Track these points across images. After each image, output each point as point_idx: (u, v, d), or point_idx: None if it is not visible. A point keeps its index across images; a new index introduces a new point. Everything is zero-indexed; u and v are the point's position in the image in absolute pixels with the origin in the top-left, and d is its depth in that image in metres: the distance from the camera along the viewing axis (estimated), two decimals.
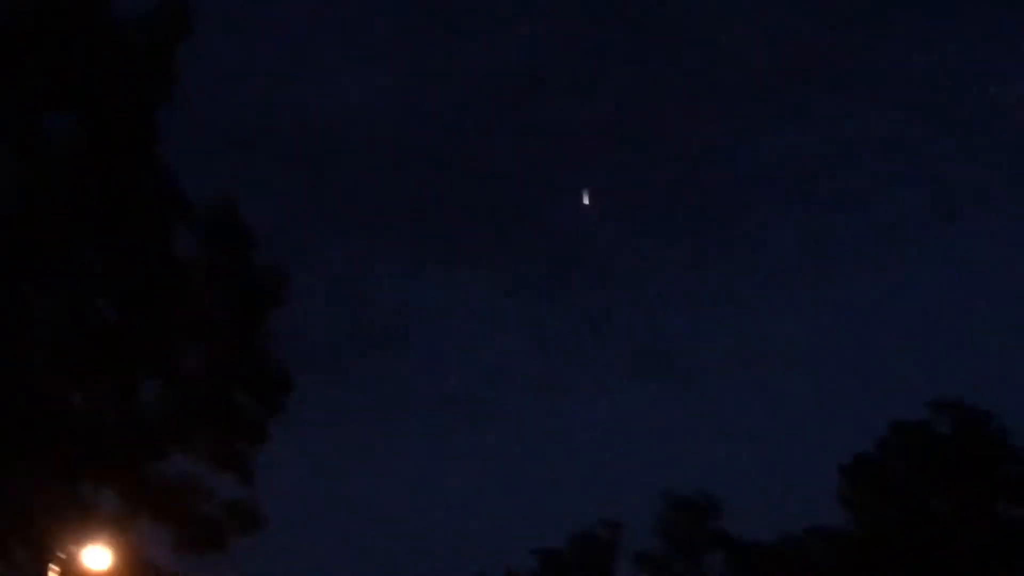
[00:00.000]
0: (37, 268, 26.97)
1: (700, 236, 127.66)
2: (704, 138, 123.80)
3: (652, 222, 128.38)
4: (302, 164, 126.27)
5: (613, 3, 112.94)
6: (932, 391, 55.18)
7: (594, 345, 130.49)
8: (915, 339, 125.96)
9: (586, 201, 71.69)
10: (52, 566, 30.69)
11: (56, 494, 29.64)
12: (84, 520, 30.48)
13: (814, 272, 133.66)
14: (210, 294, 29.06)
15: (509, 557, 58.27)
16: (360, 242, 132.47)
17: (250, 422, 30.62)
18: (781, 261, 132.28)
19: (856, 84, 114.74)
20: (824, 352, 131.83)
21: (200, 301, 28.94)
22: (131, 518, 31.19)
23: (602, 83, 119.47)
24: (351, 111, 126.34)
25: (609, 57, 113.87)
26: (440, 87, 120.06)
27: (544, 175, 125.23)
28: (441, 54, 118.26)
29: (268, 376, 30.35)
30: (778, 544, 53.52)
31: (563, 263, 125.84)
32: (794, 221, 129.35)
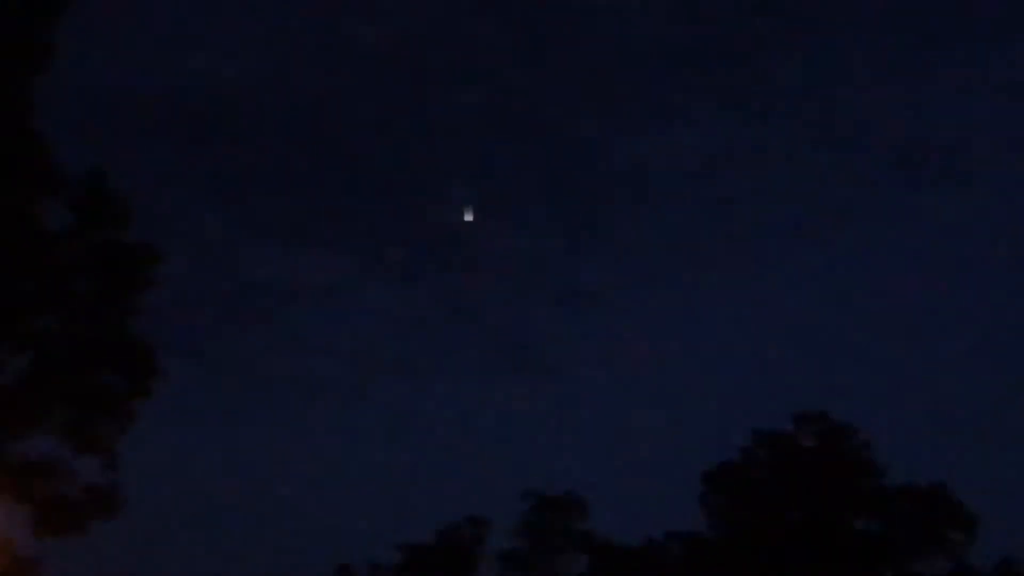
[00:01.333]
0: None
1: (573, 232, 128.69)
2: (583, 134, 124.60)
3: (525, 215, 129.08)
4: (177, 139, 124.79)
5: None
6: (798, 402, 56.35)
7: (462, 335, 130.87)
8: (783, 348, 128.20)
9: (468, 217, 71.74)
10: None
11: None
12: None
13: (687, 275, 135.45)
14: (77, 269, 28.54)
15: (373, 550, 58.08)
16: (231, 219, 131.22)
17: (115, 402, 30.13)
18: (654, 261, 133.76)
19: (736, 92, 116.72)
20: (692, 356, 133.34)
21: (66, 276, 28.41)
22: None
23: (486, 72, 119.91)
24: (229, 86, 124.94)
25: (495, 46, 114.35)
26: (322, 67, 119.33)
27: (422, 162, 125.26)
28: (325, 34, 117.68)
29: (134, 357, 29.89)
30: (641, 547, 54.02)
31: (434, 251, 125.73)
32: (668, 222, 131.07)
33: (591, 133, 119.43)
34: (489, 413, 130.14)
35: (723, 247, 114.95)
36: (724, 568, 50.23)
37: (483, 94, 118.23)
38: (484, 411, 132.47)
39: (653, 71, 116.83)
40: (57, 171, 27.66)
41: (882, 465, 52.67)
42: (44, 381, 29.29)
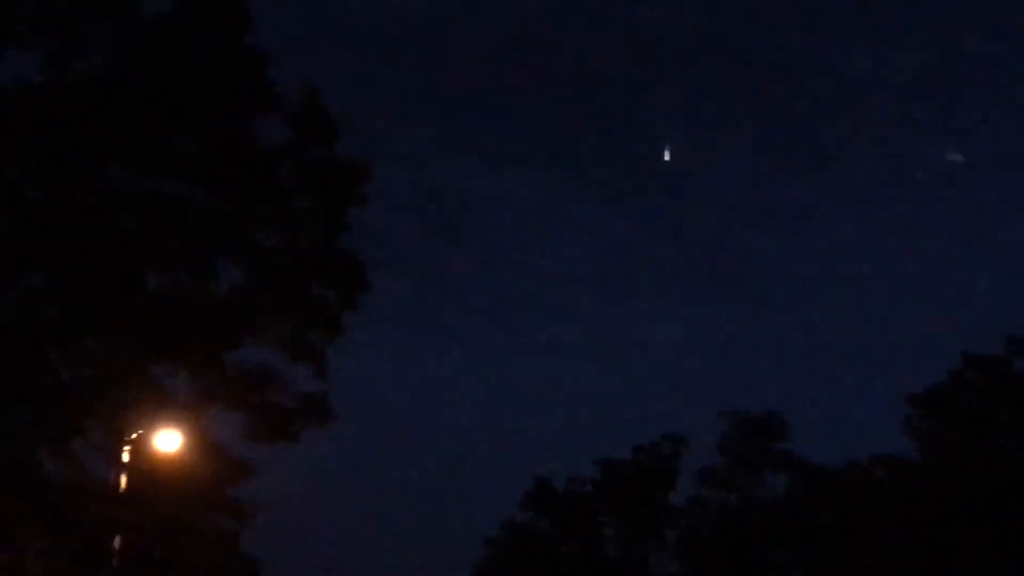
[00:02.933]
0: (122, 148, 26.90)
1: (783, 152, 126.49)
2: (791, 54, 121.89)
3: (734, 136, 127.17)
4: (389, 57, 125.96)
5: None
6: (1011, 326, 54.41)
7: (667, 256, 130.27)
8: (997, 272, 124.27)
9: (667, 156, 70.77)
10: (125, 447, 31.05)
11: (131, 375, 29.85)
12: (158, 403, 30.72)
13: (899, 197, 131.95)
14: (294, 184, 28.94)
15: (573, 465, 58.55)
16: (441, 137, 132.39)
17: (327, 315, 30.62)
18: (866, 182, 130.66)
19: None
20: (903, 281, 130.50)
21: (283, 190, 28.83)
22: (204, 404, 31.42)
23: None
24: (444, 6, 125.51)
25: None
26: None
27: (630, 83, 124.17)
28: None
29: (346, 270, 30.28)
30: (842, 469, 53.21)
31: (641, 172, 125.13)
32: (880, 143, 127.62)
33: (799, 52, 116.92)
34: (692, 333, 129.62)
35: (935, 166, 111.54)
36: (928, 493, 49.06)
37: (692, 16, 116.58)
38: (687, 331, 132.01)
39: None
40: (272, 88, 27.95)
41: None
42: (259, 292, 29.88)
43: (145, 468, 31.68)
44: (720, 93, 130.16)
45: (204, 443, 32.56)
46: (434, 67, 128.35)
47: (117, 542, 30.93)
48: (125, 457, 31.24)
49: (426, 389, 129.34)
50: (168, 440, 31.70)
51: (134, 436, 31.22)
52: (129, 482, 31.27)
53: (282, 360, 31.65)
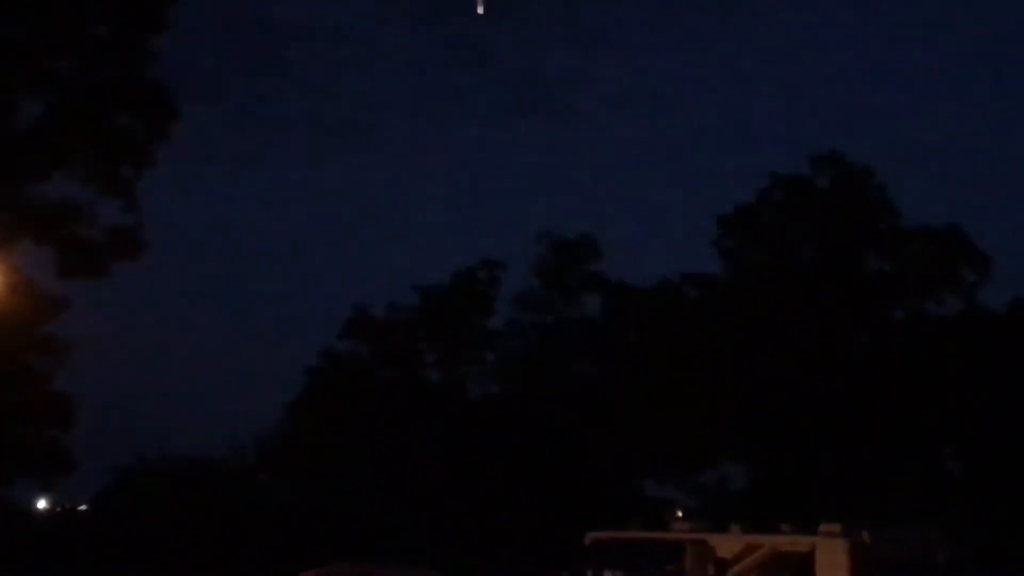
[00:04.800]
0: None
1: None
2: None
3: None
4: None
5: None
6: (814, 145, 56.04)
7: (476, 79, 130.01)
8: (799, 91, 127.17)
9: (480, 10, 69.53)
10: None
11: None
12: None
13: (704, 14, 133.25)
14: (90, 12, 28.14)
15: (391, 292, 58.84)
16: None
17: (133, 146, 30.16)
18: (669, 1, 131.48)
19: None
20: (710, 100, 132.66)
21: (79, 18, 28.02)
22: (11, 239, 30.89)
23: None
24: None
25: None
26: None
27: None
28: None
29: (152, 99, 29.76)
30: (655, 288, 54.49)
31: None
32: None
33: None
34: (504, 156, 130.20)
35: None
36: (738, 309, 50.81)
37: None
38: (499, 155, 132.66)
39: None
40: None
41: (897, 206, 52.69)
42: (62, 125, 29.27)
43: None
44: None
45: (14, 280, 32.08)
46: None
47: None
48: None
49: (243, 220, 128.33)
50: None
51: None
52: None
53: (91, 194, 31.23)
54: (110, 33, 28.54)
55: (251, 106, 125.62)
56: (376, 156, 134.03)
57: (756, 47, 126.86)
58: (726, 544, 27.92)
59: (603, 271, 57.23)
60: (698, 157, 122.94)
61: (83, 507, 65.19)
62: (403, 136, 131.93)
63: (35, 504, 57.45)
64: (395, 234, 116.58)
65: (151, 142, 30.49)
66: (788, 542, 27.11)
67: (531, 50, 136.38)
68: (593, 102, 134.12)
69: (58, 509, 61.28)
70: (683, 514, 44.21)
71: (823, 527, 27.14)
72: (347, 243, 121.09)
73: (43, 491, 55.41)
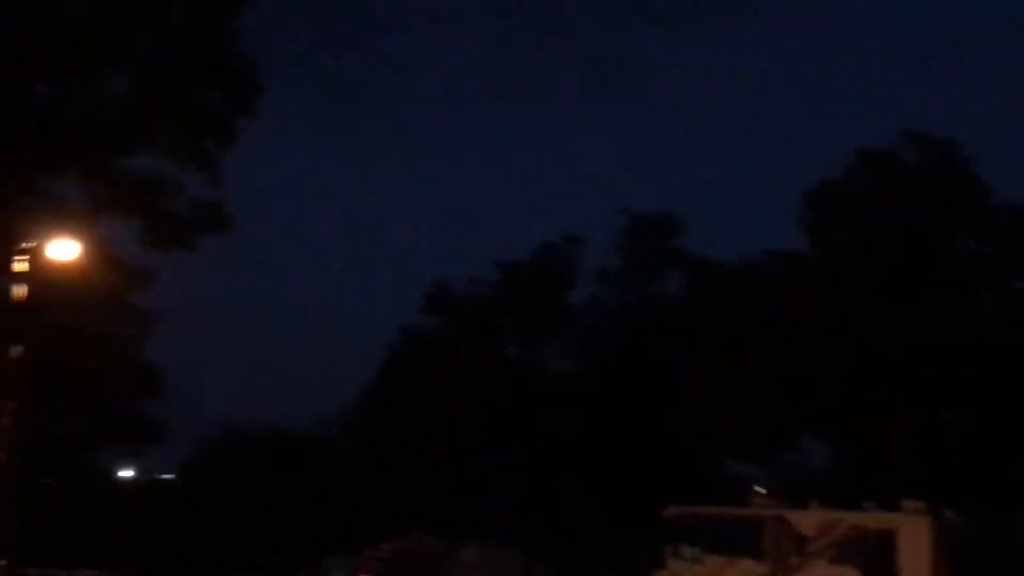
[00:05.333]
0: None
1: None
2: None
3: None
4: None
5: None
6: (901, 122, 55.29)
7: (555, 57, 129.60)
8: (886, 69, 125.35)
9: None
10: (19, 256, 30.88)
11: (22, 185, 29.64)
12: (52, 212, 30.56)
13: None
14: None
15: (472, 268, 59.01)
16: None
17: (217, 121, 30.44)
18: None
19: None
20: (794, 79, 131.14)
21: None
22: (98, 212, 31.34)
23: None
24: None
25: None
26: None
27: None
28: None
29: (235, 75, 30.01)
30: (738, 265, 54.06)
31: None
32: None
33: None
34: (586, 135, 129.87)
35: None
36: (824, 287, 50.25)
37: None
38: (581, 134, 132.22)
39: None
40: None
41: (987, 183, 51.72)
42: (147, 101, 29.60)
43: (42, 278, 31.59)
44: None
45: (101, 252, 32.54)
46: None
47: (15, 351, 30.97)
48: (22, 267, 31.09)
49: (324, 197, 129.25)
50: (65, 250, 31.53)
51: (30, 247, 31.03)
52: (27, 292, 31.19)
53: (176, 168, 31.57)
54: (192, 8, 28.81)
55: (334, 82, 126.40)
56: (459, 133, 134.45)
57: (838, 22, 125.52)
58: (806, 521, 27.76)
59: (686, 248, 56.94)
60: (783, 134, 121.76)
61: (170, 476, 66.27)
62: (486, 113, 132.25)
63: (122, 472, 58.40)
64: (479, 210, 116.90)
65: (235, 117, 30.75)
66: (869, 519, 26.90)
67: (611, 29, 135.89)
68: (675, 80, 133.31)
69: (145, 478, 62.35)
70: (765, 491, 43.92)
71: (906, 504, 26.86)
72: (430, 219, 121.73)
73: (131, 460, 56.34)
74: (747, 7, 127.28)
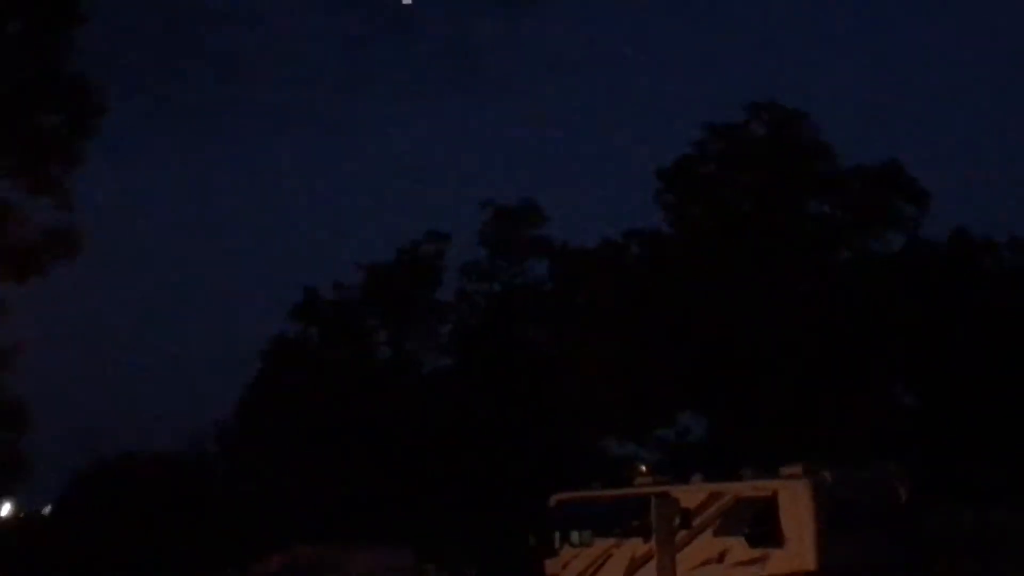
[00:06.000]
0: None
1: None
2: None
3: None
4: None
5: None
6: (748, 94, 56.07)
7: (399, 50, 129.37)
8: (734, 40, 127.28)
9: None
10: None
11: None
12: None
13: None
14: (6, 8, 27.62)
15: (337, 272, 58.59)
16: None
17: (60, 143, 29.68)
18: None
19: None
20: (638, 54, 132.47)
21: None
22: None
23: None
24: None
25: None
26: None
27: None
28: None
29: (75, 95, 29.28)
30: (599, 248, 54.40)
31: None
32: None
33: None
34: (436, 128, 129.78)
35: None
36: (683, 263, 50.80)
37: None
38: (431, 126, 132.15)
39: None
40: None
41: (834, 148, 52.75)
42: None
43: None
44: None
45: None
46: None
47: None
48: None
49: (178, 211, 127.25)
50: None
51: None
52: None
53: (22, 194, 30.75)
54: (25, 28, 28.02)
55: (175, 94, 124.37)
56: (309, 136, 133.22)
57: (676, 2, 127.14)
58: (689, 495, 28.04)
59: (548, 235, 57.27)
60: (631, 114, 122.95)
61: (46, 511, 64.72)
62: (335, 114, 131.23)
63: None
64: (336, 213, 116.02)
65: (79, 138, 30.01)
66: (750, 488, 27.24)
67: (454, 18, 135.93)
68: (520, 66, 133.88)
69: (21, 515, 60.78)
70: (646, 469, 44.32)
71: (784, 469, 27.28)
72: (290, 226, 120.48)
73: (3, 497, 54.85)
74: None
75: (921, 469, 35.27)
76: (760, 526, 26.56)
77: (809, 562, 25.81)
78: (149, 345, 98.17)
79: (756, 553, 26.55)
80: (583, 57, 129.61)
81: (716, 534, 27.23)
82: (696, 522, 27.54)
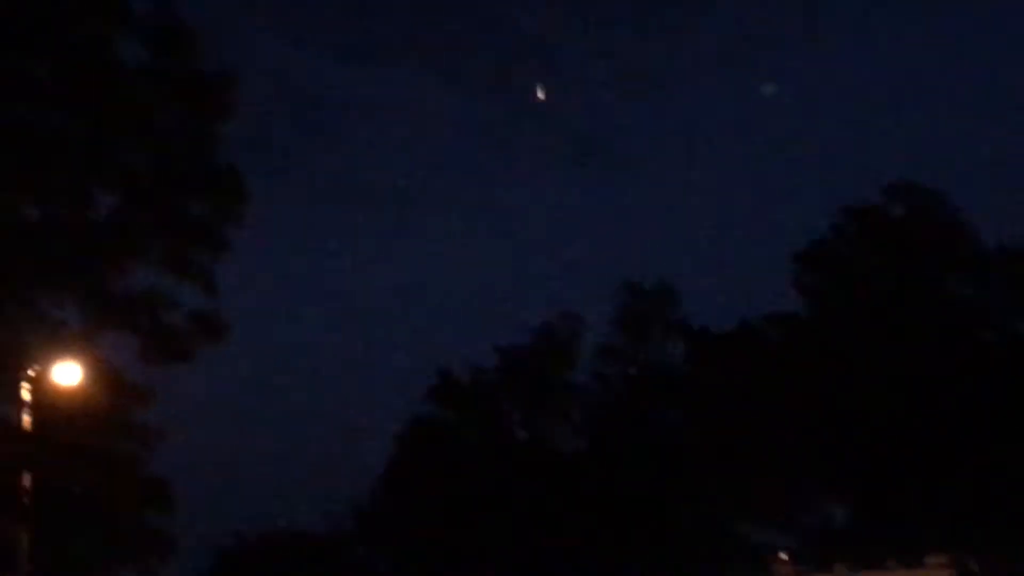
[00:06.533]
0: None
1: (639, 21, 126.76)
2: None
3: (590, 11, 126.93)
4: None
5: None
6: (885, 176, 55.51)
7: (535, 134, 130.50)
8: (865, 122, 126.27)
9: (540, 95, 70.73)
10: (23, 384, 30.90)
11: (20, 309, 29.64)
12: (50, 336, 30.57)
13: (755, 54, 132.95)
14: (158, 102, 28.60)
15: (474, 354, 58.99)
16: (302, 41, 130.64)
17: (207, 230, 30.49)
18: (721, 42, 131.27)
19: None
20: (772, 135, 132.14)
21: (147, 110, 28.47)
22: (97, 331, 31.29)
23: None
24: None
25: None
26: None
27: None
28: None
29: (222, 183, 30.11)
30: (736, 331, 54.18)
31: (499, 54, 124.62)
32: (730, 5, 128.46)
33: None
34: (572, 209, 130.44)
35: (799, 23, 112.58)
36: (822, 346, 50.30)
37: None
38: (567, 208, 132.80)
39: None
40: (127, 7, 27.49)
41: (975, 229, 51.96)
42: (137, 215, 29.68)
43: (47, 402, 31.60)
44: None
45: (102, 371, 32.50)
46: None
47: (27, 480, 30.94)
48: (25, 395, 31.11)
49: (317, 294, 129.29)
50: (67, 372, 31.60)
51: (32, 373, 31.06)
52: (32, 418, 31.20)
53: (170, 280, 31.58)
54: (177, 121, 28.97)
55: (311, 179, 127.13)
56: (444, 218, 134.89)
57: (812, 82, 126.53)
58: None
59: (684, 317, 57.07)
60: (768, 194, 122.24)
61: None
62: (471, 196, 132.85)
63: None
64: (472, 295, 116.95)
65: (224, 225, 30.79)
66: None
67: (590, 100, 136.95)
68: (657, 147, 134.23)
69: None
70: (787, 557, 43.58)
71: (929, 559, 26.72)
72: (425, 307, 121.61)
73: None
74: (721, 67, 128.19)
75: None
76: None
77: None
78: (287, 425, 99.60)
79: None
80: (720, 139, 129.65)
81: None
82: None
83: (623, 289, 56.95)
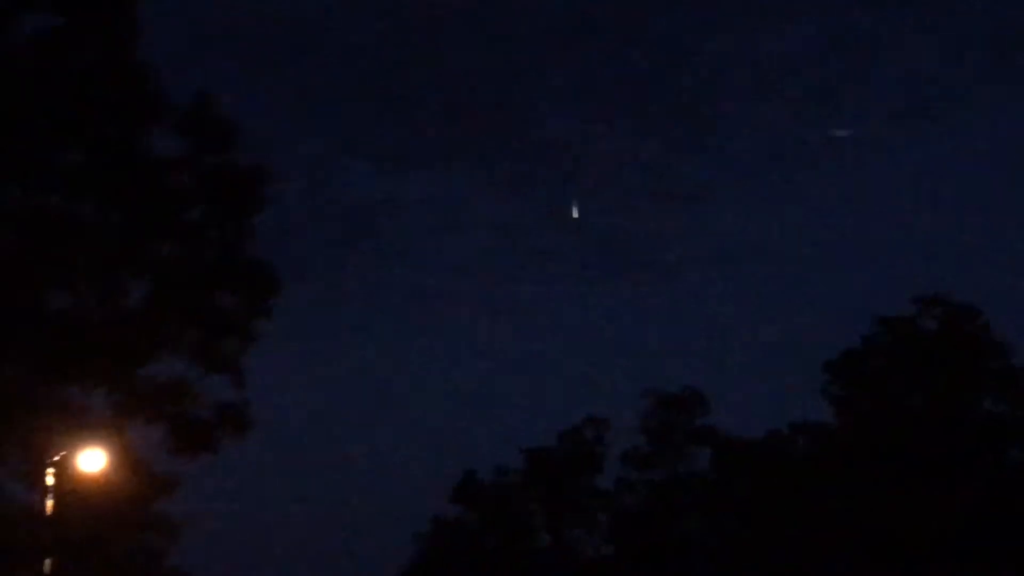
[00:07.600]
0: (14, 167, 26.78)
1: (669, 132, 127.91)
2: (667, 33, 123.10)
3: (621, 118, 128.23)
4: (271, 63, 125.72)
5: None
6: (917, 287, 55.52)
7: (568, 242, 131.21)
8: (898, 235, 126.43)
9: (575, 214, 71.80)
10: (48, 470, 30.99)
11: (46, 396, 29.77)
12: (76, 423, 30.67)
13: (787, 167, 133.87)
14: (191, 193, 28.94)
15: (499, 455, 58.86)
16: (334, 141, 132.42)
17: (236, 322, 30.61)
18: (750, 155, 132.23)
19: None
20: (794, 247, 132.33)
21: (181, 200, 28.80)
22: (123, 420, 31.35)
23: None
24: (319, 9, 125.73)
25: None
26: None
27: (511, 73, 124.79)
28: None
29: (252, 276, 30.30)
30: (764, 440, 53.97)
31: (532, 160, 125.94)
32: (760, 117, 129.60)
33: (676, 31, 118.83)
34: (599, 315, 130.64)
35: (821, 135, 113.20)
36: (850, 457, 49.97)
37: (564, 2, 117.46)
38: (594, 314, 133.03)
39: None
40: (162, 98, 27.91)
41: (1007, 345, 51.80)
42: (167, 305, 29.84)
43: (69, 489, 31.66)
44: (603, 75, 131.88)
45: (127, 460, 32.55)
46: (317, 73, 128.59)
47: (47, 566, 30.91)
48: (48, 480, 31.19)
49: (342, 392, 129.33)
50: (91, 459, 31.69)
51: (55, 458, 31.17)
52: (54, 504, 31.25)
53: (198, 371, 31.64)
54: (210, 213, 29.26)
55: (348, 281, 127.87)
56: (471, 319, 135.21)
57: (840, 196, 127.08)
58: None
59: (711, 425, 56.87)
60: (797, 305, 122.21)
61: None
62: (499, 298, 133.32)
63: None
64: (499, 397, 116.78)
65: (253, 318, 30.92)
66: None
67: (621, 208, 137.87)
68: (684, 256, 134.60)
69: None
70: None
71: None
72: (452, 408, 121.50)
73: None
74: (752, 180, 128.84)
75: None
76: None
77: None
78: (309, 522, 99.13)
79: None
80: (750, 247, 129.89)
81: None
82: None
83: (649, 395, 56.88)
